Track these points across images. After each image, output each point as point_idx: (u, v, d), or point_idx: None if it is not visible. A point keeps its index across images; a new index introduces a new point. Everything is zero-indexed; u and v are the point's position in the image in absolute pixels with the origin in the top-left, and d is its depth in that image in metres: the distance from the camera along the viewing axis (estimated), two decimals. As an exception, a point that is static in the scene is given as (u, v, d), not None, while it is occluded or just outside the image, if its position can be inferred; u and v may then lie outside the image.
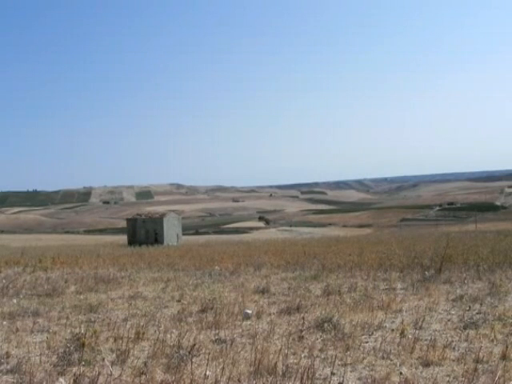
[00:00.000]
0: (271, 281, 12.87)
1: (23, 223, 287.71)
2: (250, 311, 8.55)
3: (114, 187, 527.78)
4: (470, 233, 42.72)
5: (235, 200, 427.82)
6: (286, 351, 6.08)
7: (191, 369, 5.31)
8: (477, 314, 7.90)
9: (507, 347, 5.62)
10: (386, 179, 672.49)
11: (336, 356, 5.74)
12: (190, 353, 5.78)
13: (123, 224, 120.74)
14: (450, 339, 6.38)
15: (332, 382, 4.94)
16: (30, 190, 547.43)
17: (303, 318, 7.51)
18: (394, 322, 7.58)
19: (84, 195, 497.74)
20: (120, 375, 5.27)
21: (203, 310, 8.87)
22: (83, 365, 5.58)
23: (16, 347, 6.85)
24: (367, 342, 6.46)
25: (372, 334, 6.91)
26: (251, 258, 19.86)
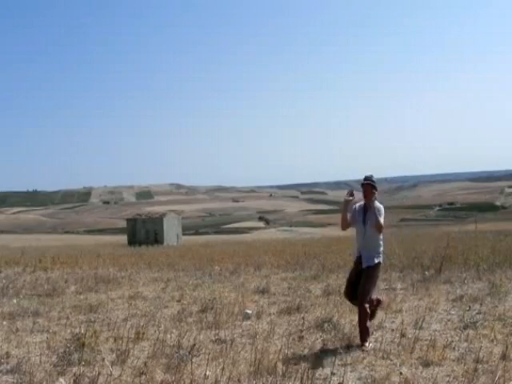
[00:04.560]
0: (271, 281, 12.86)
1: (23, 223, 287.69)
2: (250, 311, 8.55)
3: (114, 187, 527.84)
4: (469, 233, 42.67)
5: (235, 200, 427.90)
6: (286, 351, 6.08)
7: (191, 369, 5.30)
8: (477, 314, 7.90)
9: (507, 347, 5.61)
10: (385, 179, 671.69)
11: (336, 356, 5.74)
12: (190, 353, 5.78)
13: (123, 224, 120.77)
14: (449, 339, 6.37)
15: (332, 382, 4.94)
16: (30, 190, 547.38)
17: (303, 318, 7.51)
18: (393, 322, 7.58)
19: (84, 195, 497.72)
20: (120, 375, 5.27)
21: (203, 310, 8.86)
22: (83, 365, 5.57)
23: (16, 347, 6.84)
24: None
25: (372, 334, 6.90)
26: (251, 258, 19.85)
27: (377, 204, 6.26)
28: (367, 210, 6.30)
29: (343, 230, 6.70)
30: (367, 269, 6.27)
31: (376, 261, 6.30)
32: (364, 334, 6.20)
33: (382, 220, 6.19)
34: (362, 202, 6.38)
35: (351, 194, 6.38)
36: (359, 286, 6.29)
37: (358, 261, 6.38)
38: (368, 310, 6.24)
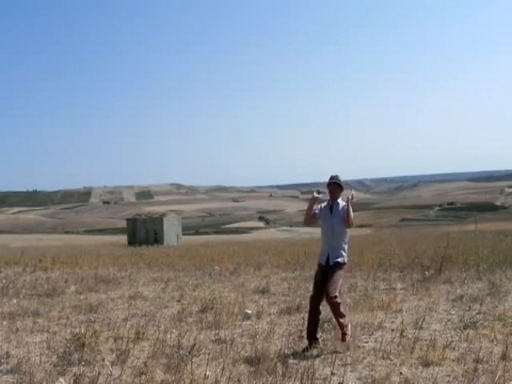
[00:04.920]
0: (271, 281, 12.86)
1: (23, 223, 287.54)
2: (250, 311, 8.55)
3: (114, 187, 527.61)
4: (470, 233, 42.70)
5: (235, 200, 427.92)
6: (286, 351, 6.08)
7: (191, 369, 5.30)
8: (477, 314, 7.90)
9: (507, 347, 5.61)
10: (386, 179, 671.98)
11: (336, 356, 5.73)
12: (190, 353, 5.77)
13: (123, 224, 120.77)
14: (450, 339, 6.37)
15: (332, 382, 4.93)
16: (30, 190, 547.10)
17: (303, 318, 7.50)
18: (394, 322, 7.58)
19: (84, 195, 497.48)
20: (120, 375, 5.26)
21: (203, 310, 8.86)
22: (83, 365, 5.57)
23: (16, 347, 6.84)
24: (367, 342, 6.45)
25: (372, 334, 6.90)
26: (251, 258, 19.85)
27: (342, 202, 6.36)
28: (333, 208, 6.38)
29: (305, 225, 6.83)
30: (335, 265, 6.25)
31: (341, 260, 6.28)
32: (341, 319, 6.13)
33: (351, 214, 6.24)
34: (328, 202, 6.45)
35: (319, 192, 6.52)
36: (327, 282, 6.21)
37: (326, 262, 6.32)
38: (339, 300, 6.18)
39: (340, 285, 6.32)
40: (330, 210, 6.40)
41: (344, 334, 6.15)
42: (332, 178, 6.39)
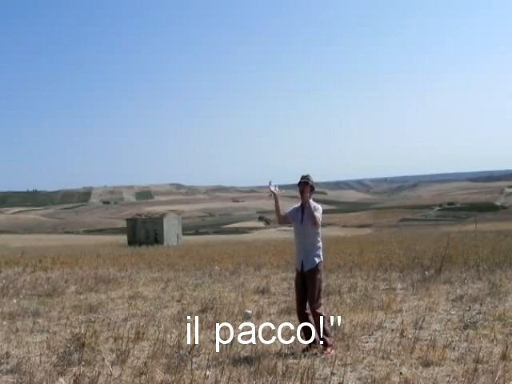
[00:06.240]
0: (271, 281, 12.87)
1: (23, 223, 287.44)
2: (250, 311, 8.55)
3: (114, 187, 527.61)
4: (469, 233, 42.70)
5: (235, 200, 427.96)
6: (286, 351, 6.08)
7: (191, 369, 5.30)
8: (477, 314, 7.90)
9: (507, 347, 5.61)
10: (385, 179, 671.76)
11: (336, 356, 5.73)
12: (190, 353, 5.78)
13: (123, 224, 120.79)
14: (450, 339, 6.37)
15: (332, 382, 4.93)
16: (30, 190, 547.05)
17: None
18: (393, 322, 7.58)
19: (84, 195, 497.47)
20: (120, 375, 5.27)
21: (203, 310, 8.87)
22: (83, 365, 5.57)
23: (16, 347, 6.84)
24: (367, 342, 6.45)
25: (372, 334, 6.90)
26: (251, 258, 19.86)
27: (313, 203, 6.19)
28: (304, 209, 6.23)
29: (280, 224, 6.66)
30: (310, 272, 6.14)
31: (317, 261, 6.18)
32: (327, 335, 6.00)
33: (318, 216, 6.12)
34: (300, 203, 6.31)
35: (270, 183, 6.29)
36: (307, 292, 6.14)
37: (301, 268, 6.20)
38: (323, 313, 6.10)
39: (319, 291, 6.15)
40: (302, 211, 6.24)
41: (324, 350, 5.90)
42: (303, 177, 6.23)
